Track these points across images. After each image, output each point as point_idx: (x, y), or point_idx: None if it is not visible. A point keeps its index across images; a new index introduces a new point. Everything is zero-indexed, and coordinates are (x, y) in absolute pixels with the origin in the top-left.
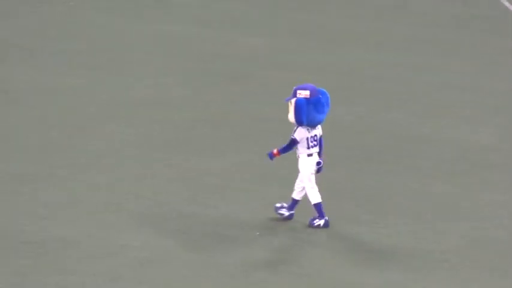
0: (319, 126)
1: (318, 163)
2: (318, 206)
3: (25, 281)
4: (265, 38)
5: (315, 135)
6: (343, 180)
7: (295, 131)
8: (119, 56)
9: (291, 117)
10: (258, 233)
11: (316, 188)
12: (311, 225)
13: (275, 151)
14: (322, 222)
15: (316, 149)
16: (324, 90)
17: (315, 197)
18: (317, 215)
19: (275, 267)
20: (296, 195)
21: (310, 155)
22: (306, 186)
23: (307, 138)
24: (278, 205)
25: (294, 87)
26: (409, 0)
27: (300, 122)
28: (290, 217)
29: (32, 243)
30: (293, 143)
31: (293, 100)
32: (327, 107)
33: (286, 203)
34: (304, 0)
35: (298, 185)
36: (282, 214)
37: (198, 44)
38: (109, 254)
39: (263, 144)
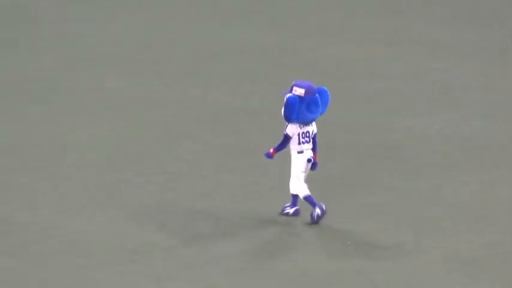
0: (313, 124)
1: (309, 160)
2: (307, 198)
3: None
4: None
5: (307, 131)
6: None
7: (286, 126)
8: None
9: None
10: (349, 243)
11: (304, 185)
12: (312, 219)
13: (271, 150)
14: (318, 211)
15: (308, 146)
16: (325, 88)
17: (303, 191)
18: (312, 208)
19: None
20: (292, 190)
21: (300, 151)
22: (293, 182)
23: (299, 134)
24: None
25: (293, 82)
26: None
27: (288, 119)
28: (296, 213)
29: (128, 250)
30: (286, 138)
31: (287, 96)
32: (324, 106)
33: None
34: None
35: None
36: (288, 212)
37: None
38: (206, 262)
39: None
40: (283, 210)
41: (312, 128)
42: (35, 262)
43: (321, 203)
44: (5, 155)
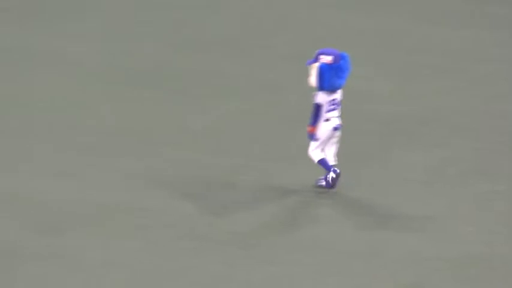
0: (339, 91)
1: (335, 128)
2: (321, 161)
3: (233, 271)
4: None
5: (335, 99)
6: None
7: (316, 96)
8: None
9: (312, 81)
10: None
11: (318, 150)
12: (326, 182)
13: (309, 128)
14: (332, 174)
15: (335, 113)
16: (345, 54)
17: (316, 155)
18: (326, 172)
19: None
20: (315, 158)
21: (327, 119)
22: (311, 146)
23: (327, 102)
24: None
25: (317, 51)
26: None
27: (321, 88)
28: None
29: (241, 234)
30: (319, 108)
31: (315, 65)
32: (347, 71)
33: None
34: None
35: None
36: (322, 184)
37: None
38: (318, 247)
39: (475, 139)
40: (317, 183)
41: (338, 94)
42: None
43: (335, 167)
44: (133, 137)
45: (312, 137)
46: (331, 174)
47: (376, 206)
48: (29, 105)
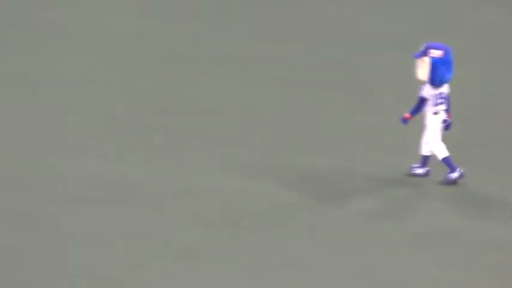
0: (446, 85)
1: (444, 121)
2: (446, 160)
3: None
4: None
5: (442, 92)
6: None
7: (422, 89)
8: None
9: (421, 75)
10: None
11: (441, 144)
12: (447, 180)
13: (407, 115)
14: (455, 174)
15: (443, 107)
16: (450, 47)
17: (441, 152)
18: (449, 170)
19: None
20: (423, 151)
21: (436, 112)
22: (431, 143)
23: (434, 96)
24: (413, 165)
25: (426, 45)
26: None
27: (433, 82)
28: (427, 174)
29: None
30: (422, 101)
31: (426, 59)
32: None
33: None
34: None
35: (423, 141)
36: (417, 173)
37: None
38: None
39: None
40: (412, 171)
41: (445, 88)
42: None
43: (460, 168)
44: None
45: (404, 121)
46: (455, 175)
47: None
48: (212, 105)
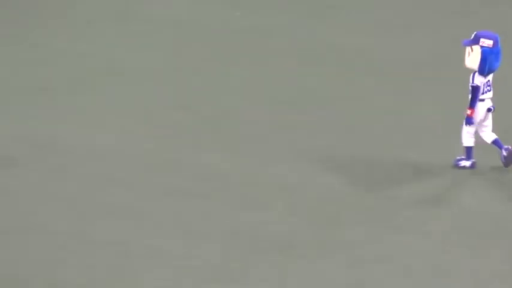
0: (492, 73)
1: (489, 109)
2: (468, 149)
3: None
4: None
5: (488, 80)
6: None
7: (473, 78)
8: None
9: (471, 63)
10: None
11: (471, 134)
12: (456, 165)
13: (469, 112)
14: (468, 163)
15: (490, 95)
16: (497, 35)
17: (467, 141)
18: (464, 156)
19: None
20: (468, 142)
21: (482, 100)
22: (464, 128)
23: (483, 84)
24: (458, 158)
25: (476, 32)
26: None
27: (482, 71)
28: (473, 166)
29: None
30: (477, 90)
31: (477, 48)
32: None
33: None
34: None
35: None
36: (464, 166)
37: None
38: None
39: None
40: (457, 163)
41: (491, 76)
42: None
43: (474, 159)
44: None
45: (470, 120)
46: (467, 163)
47: None
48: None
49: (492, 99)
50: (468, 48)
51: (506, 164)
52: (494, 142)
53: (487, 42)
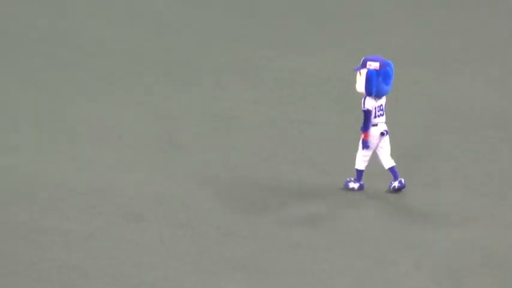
0: (384, 97)
1: (382, 133)
2: (358, 171)
3: None
4: None
5: (381, 104)
6: None
7: (364, 102)
8: None
9: (360, 87)
10: None
11: (366, 158)
12: (345, 186)
13: (362, 136)
14: (356, 185)
15: (382, 119)
16: (390, 61)
17: (360, 164)
18: (353, 178)
19: None
20: (360, 165)
21: (375, 125)
22: (359, 152)
23: (375, 108)
24: (347, 179)
25: (364, 58)
26: None
27: (369, 93)
28: (361, 188)
29: None
30: (368, 114)
31: (363, 71)
32: (392, 79)
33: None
34: None
35: (358, 155)
36: (352, 188)
37: None
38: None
39: None
40: (346, 185)
41: (383, 100)
42: None
43: (362, 182)
44: None
45: (365, 144)
46: (356, 185)
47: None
48: None
49: (386, 123)
50: (357, 74)
51: (391, 192)
52: (391, 170)
53: (374, 65)
